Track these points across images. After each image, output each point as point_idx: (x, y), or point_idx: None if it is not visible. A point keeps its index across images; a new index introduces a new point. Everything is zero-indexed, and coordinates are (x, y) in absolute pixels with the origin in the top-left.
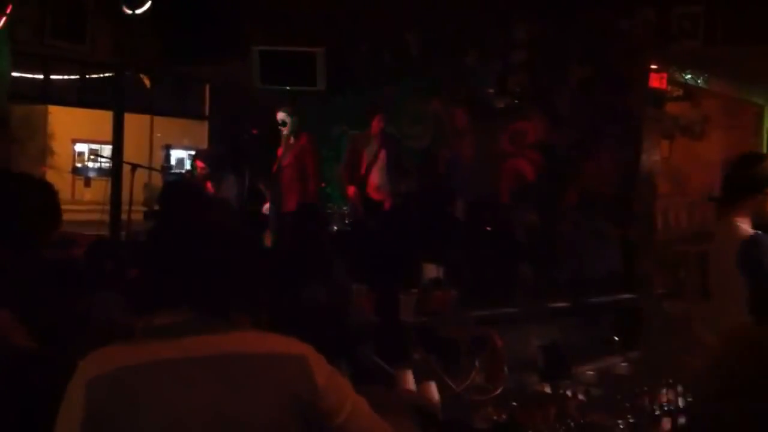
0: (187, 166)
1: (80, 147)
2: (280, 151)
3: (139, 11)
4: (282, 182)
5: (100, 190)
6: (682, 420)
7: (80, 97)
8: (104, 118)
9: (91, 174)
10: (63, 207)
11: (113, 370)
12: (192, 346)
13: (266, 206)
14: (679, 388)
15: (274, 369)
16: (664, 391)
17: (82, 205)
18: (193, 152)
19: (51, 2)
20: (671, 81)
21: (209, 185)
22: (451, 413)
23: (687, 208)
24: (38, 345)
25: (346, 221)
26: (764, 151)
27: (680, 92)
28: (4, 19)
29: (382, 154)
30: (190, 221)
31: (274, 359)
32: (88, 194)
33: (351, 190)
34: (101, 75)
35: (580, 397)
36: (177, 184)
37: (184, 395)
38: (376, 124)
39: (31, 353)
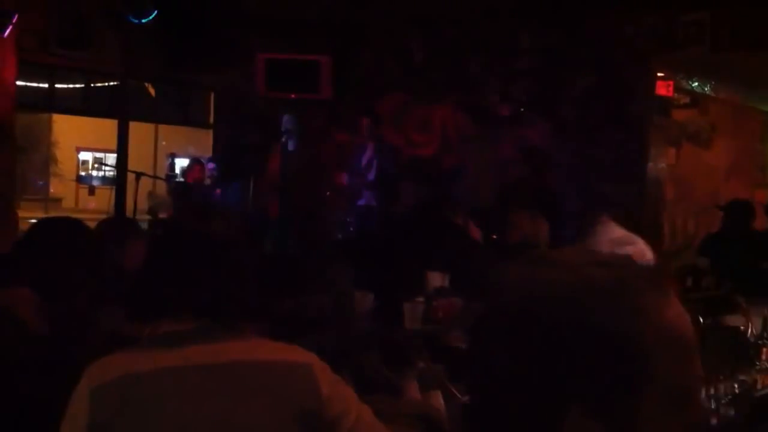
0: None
1: (84, 155)
2: (274, 158)
3: (144, 20)
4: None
5: (105, 198)
6: None
7: (85, 105)
8: (109, 126)
9: (96, 182)
10: (66, 214)
11: (117, 378)
12: (196, 355)
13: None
14: None
15: (278, 377)
16: None
17: (86, 213)
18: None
19: (56, 11)
20: (678, 88)
21: (214, 192)
22: (457, 422)
23: (694, 215)
24: (53, 335)
25: (350, 228)
26: None
27: (687, 100)
28: (10, 28)
29: (374, 162)
30: (192, 230)
31: (279, 367)
32: (92, 202)
33: (342, 177)
34: (106, 84)
35: None
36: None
37: (188, 403)
38: (363, 127)
39: (45, 344)
